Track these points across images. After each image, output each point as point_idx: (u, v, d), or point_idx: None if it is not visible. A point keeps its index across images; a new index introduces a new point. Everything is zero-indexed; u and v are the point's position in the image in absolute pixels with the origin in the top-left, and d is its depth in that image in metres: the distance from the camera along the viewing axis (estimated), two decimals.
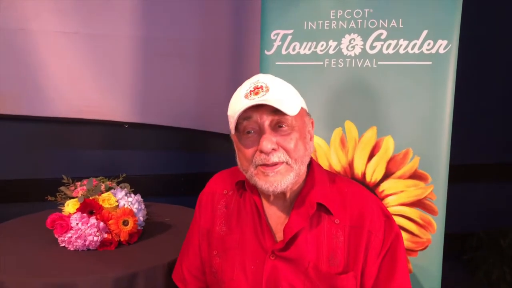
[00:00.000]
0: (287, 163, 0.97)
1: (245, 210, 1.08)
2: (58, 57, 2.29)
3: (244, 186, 1.09)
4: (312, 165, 1.08)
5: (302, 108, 1.02)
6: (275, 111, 0.95)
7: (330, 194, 1.05)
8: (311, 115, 1.08)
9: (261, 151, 0.95)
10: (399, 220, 1.64)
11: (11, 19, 2.18)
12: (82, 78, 2.35)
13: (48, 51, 2.28)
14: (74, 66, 2.33)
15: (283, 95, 0.96)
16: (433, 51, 1.60)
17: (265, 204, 1.08)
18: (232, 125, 0.97)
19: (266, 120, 0.96)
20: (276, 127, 0.97)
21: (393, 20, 1.63)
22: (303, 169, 1.02)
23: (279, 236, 1.04)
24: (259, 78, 1.00)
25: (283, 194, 1.03)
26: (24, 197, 2.40)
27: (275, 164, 0.96)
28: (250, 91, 0.96)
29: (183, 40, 2.42)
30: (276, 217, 1.06)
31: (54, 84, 2.32)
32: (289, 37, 1.75)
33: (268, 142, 0.94)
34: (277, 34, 1.76)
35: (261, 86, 0.96)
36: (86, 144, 2.53)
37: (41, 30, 2.24)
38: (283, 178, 0.97)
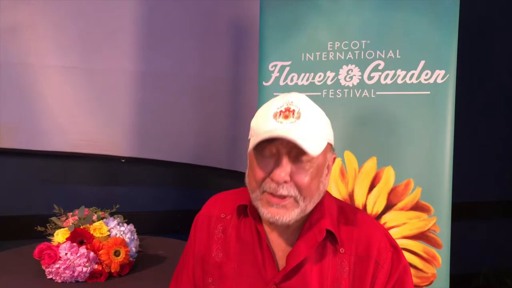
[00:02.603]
0: (295, 199, 0.91)
1: (245, 236, 1.03)
2: (57, 91, 2.30)
3: (246, 211, 1.03)
4: (324, 193, 1.02)
5: (328, 143, 0.94)
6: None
7: (337, 222, 0.99)
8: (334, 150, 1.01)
9: (272, 180, 0.90)
10: None
11: (12, 53, 2.20)
12: (80, 112, 2.34)
13: (47, 85, 2.28)
14: (72, 100, 2.33)
15: (312, 130, 0.89)
16: (431, 81, 1.60)
17: (267, 230, 1.02)
18: (251, 145, 0.91)
19: (286, 150, 0.89)
20: (295, 159, 0.90)
21: (390, 51, 1.64)
22: (310, 207, 0.95)
23: (281, 264, 0.98)
24: (294, 100, 0.91)
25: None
26: (18, 234, 2.32)
27: (283, 197, 0.90)
28: (281, 111, 0.90)
29: (181, 74, 2.44)
30: (278, 244, 1.00)
31: (51, 118, 2.31)
32: (287, 69, 1.76)
33: (281, 172, 0.88)
34: (275, 65, 1.77)
35: (293, 110, 0.89)
36: (82, 179, 2.48)
37: (41, 64, 2.25)
38: (287, 213, 0.91)
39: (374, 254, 0.95)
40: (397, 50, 1.64)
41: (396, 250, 0.98)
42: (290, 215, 0.91)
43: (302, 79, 1.74)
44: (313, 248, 0.95)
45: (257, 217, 1.01)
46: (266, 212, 0.92)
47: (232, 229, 1.05)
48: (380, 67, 1.65)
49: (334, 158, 1.01)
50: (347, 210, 1.03)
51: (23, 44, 2.22)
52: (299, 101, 0.92)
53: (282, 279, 0.95)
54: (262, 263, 0.98)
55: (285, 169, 0.88)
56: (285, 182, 0.89)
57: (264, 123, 0.91)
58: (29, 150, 2.32)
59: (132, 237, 1.47)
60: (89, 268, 1.33)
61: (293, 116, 0.89)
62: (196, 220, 1.12)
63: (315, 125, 0.91)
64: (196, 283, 1.08)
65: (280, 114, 0.90)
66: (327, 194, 1.03)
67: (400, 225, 1.61)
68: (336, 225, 0.98)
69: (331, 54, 1.71)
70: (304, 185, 0.90)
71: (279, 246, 1.00)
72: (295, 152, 0.89)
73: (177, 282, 1.14)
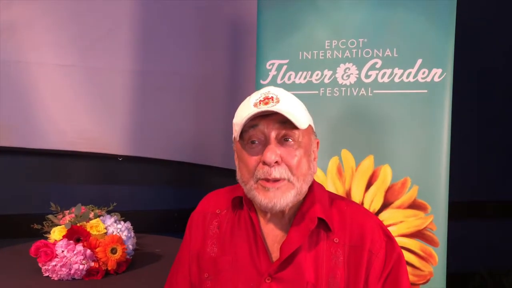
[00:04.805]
0: (288, 180, 0.93)
1: (239, 230, 1.03)
2: (54, 90, 2.29)
3: (241, 203, 1.04)
4: (313, 183, 1.04)
5: (309, 125, 0.99)
6: (283, 123, 0.92)
7: (330, 212, 1.01)
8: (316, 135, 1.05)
9: (264, 163, 0.92)
10: None
11: (9, 51, 2.19)
12: (77, 110, 2.33)
13: (44, 84, 2.27)
14: (70, 99, 2.32)
15: (293, 109, 0.94)
16: (428, 79, 1.60)
17: (262, 222, 1.03)
18: (237, 132, 0.94)
19: (273, 131, 0.93)
20: (282, 140, 0.93)
21: (388, 49, 1.65)
22: (305, 188, 0.98)
23: (275, 256, 0.99)
24: (270, 89, 0.97)
25: (281, 211, 0.99)
26: (14, 232, 2.31)
27: (277, 180, 0.92)
28: (260, 100, 0.94)
29: (179, 73, 2.44)
30: (273, 236, 1.01)
31: (49, 116, 2.30)
32: (285, 67, 1.76)
33: (272, 153, 0.90)
34: (273, 64, 1.77)
35: (272, 97, 0.94)
36: (79, 177, 2.48)
37: (39, 62, 2.24)
38: (283, 195, 0.93)
39: (367, 244, 0.96)
40: (394, 49, 1.64)
41: (389, 239, 0.99)
42: (287, 197, 0.93)
43: (300, 77, 1.74)
44: (305, 236, 0.96)
45: (252, 207, 1.02)
46: (263, 198, 0.93)
47: (227, 224, 1.06)
48: (377, 66, 1.66)
49: (318, 143, 1.04)
50: (340, 202, 1.04)
51: (21, 42, 2.21)
52: (276, 89, 0.97)
53: (277, 270, 0.96)
54: (256, 255, 0.99)
55: (274, 150, 0.91)
56: (277, 163, 0.92)
57: (246, 112, 0.93)
58: (26, 149, 2.31)
59: (129, 234, 1.46)
60: (85, 265, 1.33)
61: (272, 101, 0.93)
62: (192, 218, 1.13)
63: (295, 106, 0.96)
64: (192, 280, 1.08)
65: (259, 103, 0.94)
66: (318, 185, 1.05)
67: (397, 223, 1.62)
68: (328, 213, 0.99)
69: (329, 53, 1.71)
70: (295, 164, 0.93)
71: (273, 238, 1.01)
72: (282, 134, 0.93)
73: (172, 280, 1.14)
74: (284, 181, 0.93)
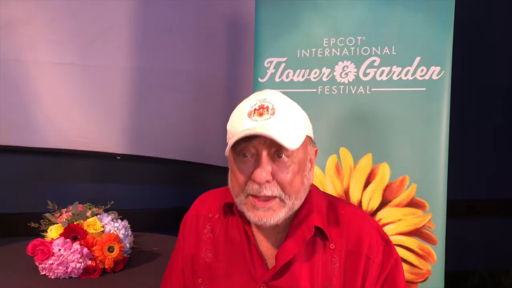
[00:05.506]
0: (280, 198, 0.90)
1: (233, 236, 1.01)
2: (52, 88, 2.28)
3: (232, 210, 1.01)
4: (311, 189, 1.01)
5: (307, 137, 0.93)
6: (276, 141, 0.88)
7: (327, 219, 0.98)
8: (315, 143, 1.00)
9: (254, 181, 0.89)
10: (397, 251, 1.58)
11: (6, 50, 2.19)
12: (75, 109, 2.33)
13: (42, 82, 2.27)
14: (68, 97, 2.31)
15: (288, 124, 0.88)
16: (427, 77, 1.60)
17: (255, 228, 1.00)
18: (228, 145, 0.89)
19: (265, 148, 0.88)
20: (275, 156, 0.89)
21: (386, 47, 1.64)
22: (298, 204, 0.94)
23: (271, 263, 0.97)
24: (267, 97, 0.90)
25: None
26: (12, 231, 2.30)
27: (267, 198, 0.89)
28: (255, 109, 0.89)
29: (177, 71, 2.43)
30: (267, 243, 0.99)
31: (47, 115, 2.30)
32: (283, 65, 1.75)
33: (262, 171, 0.87)
34: (271, 62, 1.77)
35: (267, 107, 0.88)
36: (77, 176, 2.47)
37: (36, 61, 2.24)
38: (274, 214, 0.90)
39: (365, 249, 0.95)
40: (393, 47, 1.64)
41: (387, 244, 0.98)
42: (277, 215, 0.90)
43: (298, 75, 1.73)
44: (302, 245, 0.94)
45: (244, 216, 0.98)
46: (252, 216, 0.91)
47: (221, 229, 1.04)
48: (375, 64, 1.65)
49: (316, 151, 1.00)
50: (337, 205, 1.02)
51: (19, 41, 2.20)
52: (272, 97, 0.91)
53: (272, 278, 0.95)
54: (251, 263, 0.97)
55: (265, 168, 0.87)
56: (267, 181, 0.88)
57: (240, 123, 0.89)
58: (24, 147, 2.30)
59: (126, 233, 1.46)
60: (82, 264, 1.32)
61: (267, 112, 0.88)
62: (185, 220, 1.11)
63: (291, 119, 0.90)
64: (186, 284, 1.07)
65: (254, 112, 0.89)
66: (314, 189, 1.02)
67: (395, 221, 1.61)
68: (325, 221, 0.97)
69: (327, 51, 1.71)
70: (287, 182, 0.89)
71: (267, 245, 0.99)
72: (274, 150, 0.88)
73: (166, 283, 1.13)
74: (276, 199, 0.90)
